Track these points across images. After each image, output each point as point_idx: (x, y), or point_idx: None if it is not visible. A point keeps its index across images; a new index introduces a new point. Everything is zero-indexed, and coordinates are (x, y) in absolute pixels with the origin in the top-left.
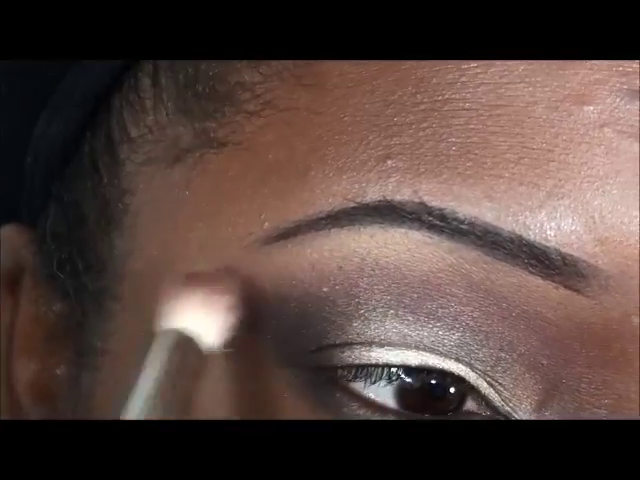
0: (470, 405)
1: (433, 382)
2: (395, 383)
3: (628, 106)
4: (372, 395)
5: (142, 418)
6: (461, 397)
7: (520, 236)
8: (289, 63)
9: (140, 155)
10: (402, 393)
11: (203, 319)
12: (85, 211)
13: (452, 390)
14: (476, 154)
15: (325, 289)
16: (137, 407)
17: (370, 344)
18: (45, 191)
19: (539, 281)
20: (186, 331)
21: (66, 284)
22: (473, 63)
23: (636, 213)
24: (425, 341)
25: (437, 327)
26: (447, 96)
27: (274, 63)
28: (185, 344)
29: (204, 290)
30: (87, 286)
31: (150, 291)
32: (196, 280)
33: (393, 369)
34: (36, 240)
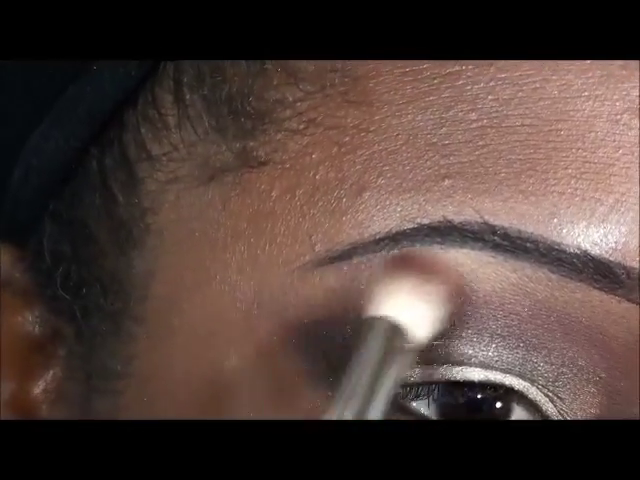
0: (520, 417)
1: (486, 396)
2: (457, 399)
3: None
4: (431, 414)
5: (355, 406)
6: (510, 410)
7: (585, 251)
8: (333, 79)
9: (165, 173)
10: (455, 408)
11: (416, 309)
12: (94, 230)
13: (504, 403)
14: (537, 170)
15: None
16: (352, 394)
17: (431, 363)
18: (36, 207)
19: (603, 296)
20: (397, 320)
21: (71, 304)
22: (530, 78)
23: None
24: (488, 360)
25: (501, 346)
26: (505, 112)
27: (316, 80)
28: (394, 335)
29: (421, 278)
30: (102, 307)
31: (180, 315)
32: (412, 266)
33: (454, 386)
34: (27, 258)
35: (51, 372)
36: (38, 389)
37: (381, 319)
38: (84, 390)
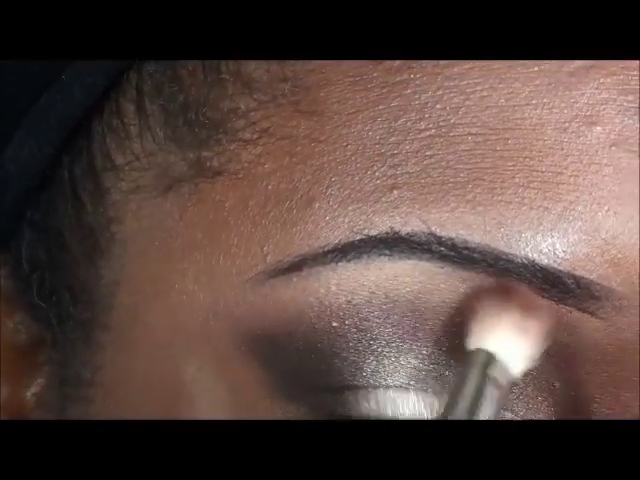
0: None
1: None
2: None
3: (636, 125)
4: None
5: None
6: None
7: (533, 261)
8: (285, 89)
9: (127, 183)
10: None
11: (516, 344)
12: (67, 238)
13: None
14: (484, 180)
15: (334, 324)
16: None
17: (387, 388)
18: (16, 214)
19: (553, 305)
20: (497, 355)
21: (48, 312)
22: (477, 86)
23: None
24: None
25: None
26: (453, 121)
27: (268, 90)
28: (494, 368)
29: (522, 313)
30: (73, 315)
31: (143, 324)
32: (513, 300)
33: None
34: (9, 263)
35: (39, 378)
36: (29, 394)
37: (482, 352)
38: (60, 398)
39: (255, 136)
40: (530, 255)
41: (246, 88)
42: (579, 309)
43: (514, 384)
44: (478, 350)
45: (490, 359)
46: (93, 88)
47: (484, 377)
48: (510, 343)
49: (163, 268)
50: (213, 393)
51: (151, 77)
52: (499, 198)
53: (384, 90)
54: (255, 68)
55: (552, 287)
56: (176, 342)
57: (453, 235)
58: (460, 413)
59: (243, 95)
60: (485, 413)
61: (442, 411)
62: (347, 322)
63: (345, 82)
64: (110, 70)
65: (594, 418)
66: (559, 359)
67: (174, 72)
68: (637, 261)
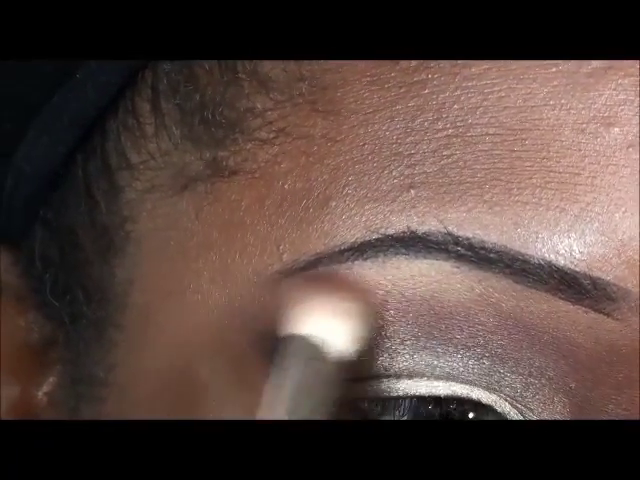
0: None
1: (457, 410)
2: (421, 414)
3: None
4: None
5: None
6: None
7: (550, 262)
8: (302, 88)
9: (142, 182)
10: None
11: (334, 326)
12: (80, 237)
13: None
14: (501, 180)
15: None
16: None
17: (398, 376)
18: (28, 213)
19: (569, 306)
20: (315, 338)
21: (61, 311)
22: (495, 87)
23: None
24: (454, 372)
25: (467, 357)
26: (470, 121)
27: (286, 89)
28: (314, 352)
29: (335, 296)
30: (86, 314)
31: (156, 323)
32: (327, 285)
33: (421, 401)
34: (22, 262)
35: (50, 378)
36: (40, 393)
37: (299, 338)
38: (72, 397)
39: (272, 135)
40: (547, 256)
41: (263, 87)
42: (595, 310)
43: (343, 365)
44: (297, 337)
45: (310, 345)
46: (107, 87)
47: (306, 365)
48: (329, 326)
49: (178, 267)
50: (227, 393)
51: (167, 76)
52: (516, 199)
53: (401, 90)
54: (272, 67)
55: (568, 288)
56: (190, 342)
57: (470, 235)
58: (288, 400)
59: (260, 94)
60: (311, 398)
61: (269, 400)
62: None
63: (362, 82)
64: (124, 69)
65: (610, 419)
66: (575, 360)
67: (190, 71)
68: None
